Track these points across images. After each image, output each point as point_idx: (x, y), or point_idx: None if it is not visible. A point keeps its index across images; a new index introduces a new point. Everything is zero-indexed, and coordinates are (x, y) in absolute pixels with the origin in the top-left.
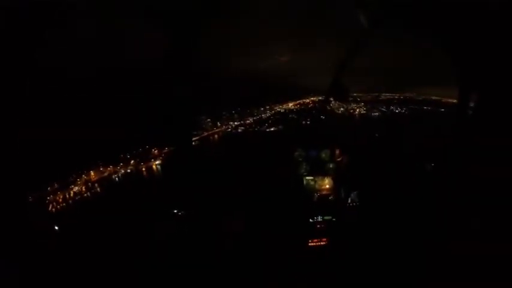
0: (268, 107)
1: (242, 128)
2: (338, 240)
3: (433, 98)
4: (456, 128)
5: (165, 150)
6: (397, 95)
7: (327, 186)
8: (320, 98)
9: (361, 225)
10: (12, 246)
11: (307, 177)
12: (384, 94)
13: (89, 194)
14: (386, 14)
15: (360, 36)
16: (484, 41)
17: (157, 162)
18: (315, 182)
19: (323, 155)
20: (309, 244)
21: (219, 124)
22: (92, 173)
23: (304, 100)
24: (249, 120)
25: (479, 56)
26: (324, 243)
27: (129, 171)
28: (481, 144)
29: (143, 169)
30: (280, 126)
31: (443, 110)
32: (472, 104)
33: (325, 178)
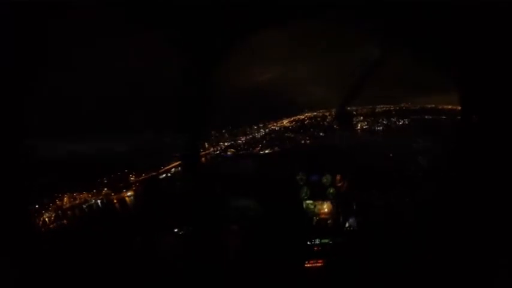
0: (261, 125)
1: (233, 149)
2: (334, 261)
3: (428, 106)
4: (460, 136)
5: (141, 177)
6: (393, 106)
7: (326, 210)
8: (316, 113)
9: (357, 249)
10: (12, 246)
11: (307, 201)
12: (378, 106)
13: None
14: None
15: (368, 68)
16: (484, 50)
17: (129, 193)
18: (315, 206)
19: (324, 180)
20: (306, 265)
21: (207, 145)
22: (65, 198)
23: (299, 117)
24: (241, 141)
25: (479, 66)
26: (320, 264)
27: (100, 200)
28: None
29: (115, 200)
30: (276, 148)
31: (444, 117)
32: (473, 111)
33: (325, 202)
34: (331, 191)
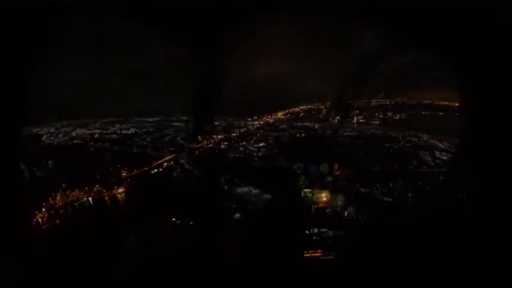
0: (256, 117)
1: (226, 143)
2: (332, 251)
3: (425, 101)
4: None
5: (133, 173)
6: (388, 100)
7: (324, 199)
8: (310, 106)
9: (356, 238)
10: (13, 246)
11: (305, 190)
12: (374, 100)
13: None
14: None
15: (367, 61)
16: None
17: (120, 190)
18: (313, 194)
19: (321, 169)
20: (305, 255)
21: (200, 139)
22: (57, 197)
23: (294, 109)
24: (235, 134)
25: (479, 63)
26: (318, 254)
27: (91, 198)
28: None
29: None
30: (270, 141)
31: (441, 113)
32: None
33: (323, 191)
34: (329, 179)
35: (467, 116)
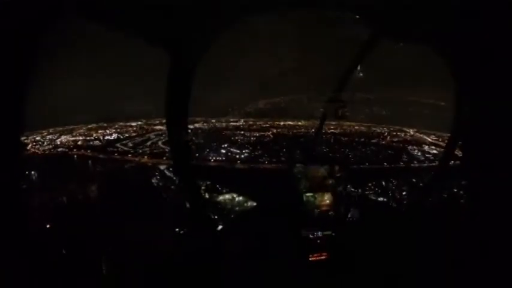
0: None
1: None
2: (337, 254)
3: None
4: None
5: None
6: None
7: (327, 202)
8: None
9: (360, 240)
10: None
11: (307, 194)
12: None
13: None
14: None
15: (357, 56)
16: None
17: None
18: (315, 198)
19: (322, 171)
20: (309, 259)
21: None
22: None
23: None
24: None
25: (477, 59)
26: (324, 257)
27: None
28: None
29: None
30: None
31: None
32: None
33: (325, 194)
34: (331, 182)
35: (465, 113)
